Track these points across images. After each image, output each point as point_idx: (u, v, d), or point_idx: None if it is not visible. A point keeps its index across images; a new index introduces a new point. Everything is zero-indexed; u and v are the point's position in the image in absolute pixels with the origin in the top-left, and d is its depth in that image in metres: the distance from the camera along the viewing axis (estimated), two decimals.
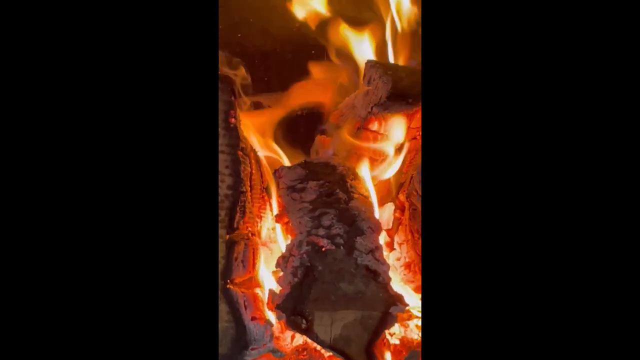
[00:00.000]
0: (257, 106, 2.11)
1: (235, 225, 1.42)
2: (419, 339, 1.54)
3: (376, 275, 1.41)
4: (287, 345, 1.52)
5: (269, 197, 1.68)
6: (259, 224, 1.61)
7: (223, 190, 1.42)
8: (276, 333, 1.54)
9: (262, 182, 1.69)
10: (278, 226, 1.69)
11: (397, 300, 1.38)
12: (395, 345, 1.53)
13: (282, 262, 1.46)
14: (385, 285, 1.40)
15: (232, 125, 1.37)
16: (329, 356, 1.47)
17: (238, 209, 1.43)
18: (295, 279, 1.41)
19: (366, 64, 1.89)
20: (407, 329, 1.59)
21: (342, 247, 1.44)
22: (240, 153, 1.42)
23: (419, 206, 1.52)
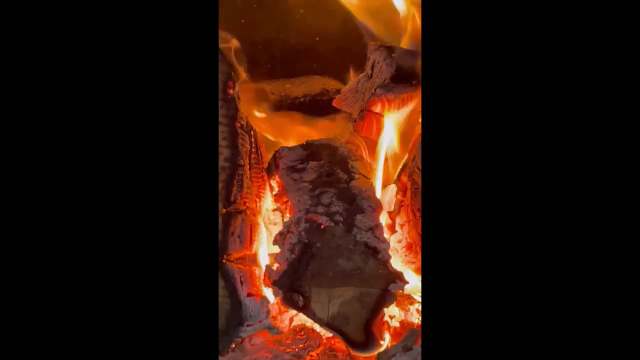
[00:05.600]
0: (260, 93, 2.10)
1: (232, 199, 1.40)
2: (419, 322, 1.51)
3: (375, 253, 1.38)
4: (286, 327, 1.49)
5: (269, 177, 1.66)
6: (258, 204, 1.59)
7: (220, 162, 1.40)
8: (274, 314, 1.51)
9: (263, 163, 1.67)
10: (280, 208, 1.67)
11: (396, 277, 1.35)
12: (395, 327, 1.49)
13: (280, 238, 1.43)
14: (384, 262, 1.37)
15: (229, 96, 1.35)
16: (327, 337, 1.44)
17: (235, 182, 1.41)
18: (293, 256, 1.38)
19: (370, 47, 1.87)
20: (408, 313, 1.55)
21: (341, 224, 1.42)
22: (238, 125, 1.39)
23: (421, 184, 1.49)
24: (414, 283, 1.58)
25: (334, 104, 2.00)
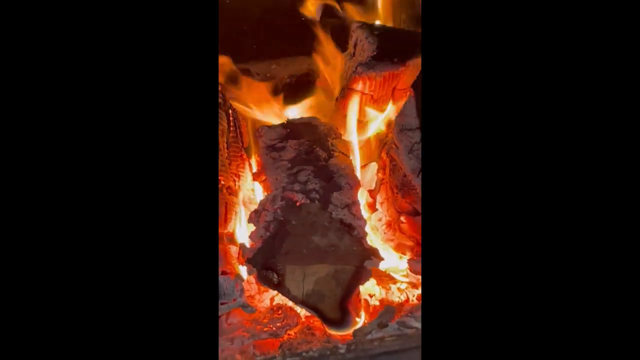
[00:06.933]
0: (245, 74, 2.08)
1: None
2: (400, 301, 1.49)
3: (351, 229, 1.36)
4: (266, 306, 1.48)
5: (249, 156, 1.64)
6: (236, 183, 1.57)
7: None
8: (252, 293, 1.50)
9: (242, 143, 1.65)
10: (258, 186, 1.65)
11: (371, 254, 1.33)
12: (375, 306, 1.48)
13: (255, 216, 1.42)
14: (359, 239, 1.35)
15: None
16: (305, 316, 1.42)
17: None
18: (268, 234, 1.37)
19: (352, 25, 1.84)
20: (389, 292, 1.53)
21: (317, 202, 1.40)
22: None
23: (398, 160, 1.47)
24: (393, 261, 1.57)
25: (318, 84, 1.98)
